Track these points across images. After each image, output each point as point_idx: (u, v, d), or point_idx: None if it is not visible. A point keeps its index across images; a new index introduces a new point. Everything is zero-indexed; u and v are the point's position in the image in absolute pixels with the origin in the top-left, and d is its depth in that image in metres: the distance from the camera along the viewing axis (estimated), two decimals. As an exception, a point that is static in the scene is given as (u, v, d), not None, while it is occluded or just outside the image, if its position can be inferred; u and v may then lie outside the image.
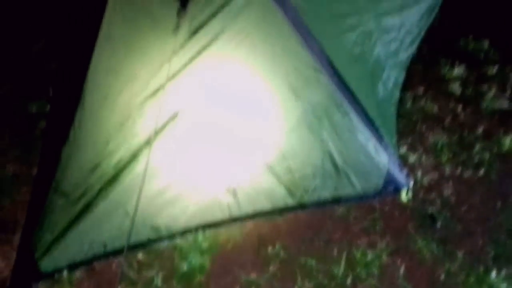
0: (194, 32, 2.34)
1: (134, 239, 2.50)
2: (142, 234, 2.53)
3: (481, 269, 2.43)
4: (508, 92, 3.21)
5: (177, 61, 2.35)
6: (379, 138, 2.58)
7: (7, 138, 3.19)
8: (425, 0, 3.29)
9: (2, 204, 2.88)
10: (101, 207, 2.46)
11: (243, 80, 2.46)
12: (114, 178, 2.45)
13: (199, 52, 2.36)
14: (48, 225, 2.49)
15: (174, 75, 2.34)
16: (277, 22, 2.39)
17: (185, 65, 2.37)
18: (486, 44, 3.52)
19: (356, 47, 2.78)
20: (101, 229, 2.49)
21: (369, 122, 2.56)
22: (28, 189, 2.93)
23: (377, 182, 2.60)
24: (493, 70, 3.35)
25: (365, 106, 2.61)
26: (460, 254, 2.49)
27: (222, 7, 2.32)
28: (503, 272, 2.39)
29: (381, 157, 2.57)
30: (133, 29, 2.47)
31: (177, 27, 2.30)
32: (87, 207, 2.46)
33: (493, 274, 2.39)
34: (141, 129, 2.43)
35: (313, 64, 2.44)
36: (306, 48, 2.42)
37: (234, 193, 2.56)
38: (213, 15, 2.33)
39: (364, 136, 2.55)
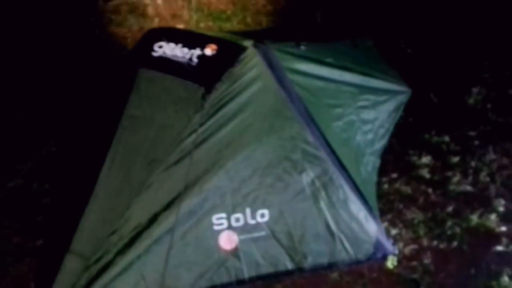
0: (214, 113, 2.74)
1: (148, 301, 2.68)
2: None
3: (464, 325, 2.72)
4: (470, 178, 3.69)
5: (198, 136, 2.72)
6: (369, 209, 2.95)
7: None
8: (393, 99, 3.88)
9: (7, 274, 3.00)
10: (119, 268, 2.65)
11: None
12: (131, 242, 2.68)
13: (217, 130, 2.75)
14: (62, 286, 2.63)
15: (196, 147, 2.69)
16: (284, 107, 2.84)
17: (204, 140, 2.73)
18: (447, 138, 4.06)
19: (343, 133, 3.25)
20: (117, 288, 2.66)
21: (360, 194, 2.94)
22: (32, 260, 3.08)
23: (368, 248, 2.93)
24: (455, 159, 3.85)
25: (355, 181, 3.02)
26: (443, 313, 2.78)
27: (238, 93, 2.76)
28: (483, 328, 2.68)
29: (371, 226, 2.93)
30: (155, 108, 2.85)
31: (201, 108, 2.70)
32: (104, 270, 2.64)
33: (475, 329, 2.68)
34: (161, 195, 2.71)
35: (313, 144, 2.86)
36: (307, 130, 2.86)
37: (239, 257, 2.81)
38: (231, 99, 2.76)
39: (356, 207, 2.92)
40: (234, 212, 2.78)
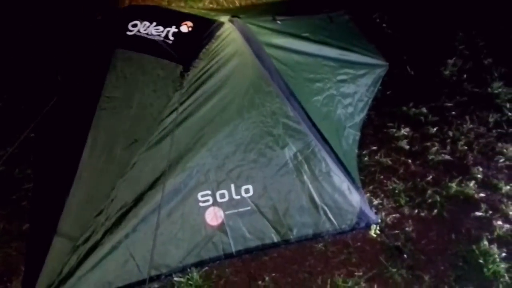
0: (194, 91, 2.74)
1: (136, 277, 2.71)
2: (144, 273, 2.73)
3: (446, 288, 2.81)
4: (448, 147, 3.77)
5: (179, 115, 2.73)
6: (351, 180, 3.01)
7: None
8: (371, 73, 3.93)
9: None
10: (106, 249, 2.66)
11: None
12: (118, 221, 2.69)
13: (197, 108, 2.75)
14: (52, 268, 2.63)
15: (177, 126, 2.70)
16: (263, 83, 2.85)
17: (185, 118, 2.74)
18: (424, 109, 4.14)
19: (323, 107, 3.29)
20: (106, 270, 2.67)
21: (343, 166, 2.99)
22: (20, 244, 3.08)
23: (351, 218, 2.99)
24: (433, 130, 3.93)
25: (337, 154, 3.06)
26: (426, 277, 2.85)
27: (216, 70, 2.77)
28: (464, 290, 2.77)
29: (354, 197, 2.99)
30: (133, 88, 2.84)
31: (180, 86, 2.70)
32: (93, 250, 2.66)
33: (457, 292, 2.77)
34: (145, 175, 2.72)
35: (294, 118, 2.89)
36: (288, 104, 2.88)
37: (226, 232, 2.85)
38: (209, 77, 2.76)
39: (339, 178, 2.97)
40: (218, 188, 2.80)
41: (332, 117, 3.41)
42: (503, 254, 2.95)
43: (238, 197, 2.84)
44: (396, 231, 3.13)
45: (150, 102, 2.78)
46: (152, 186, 2.70)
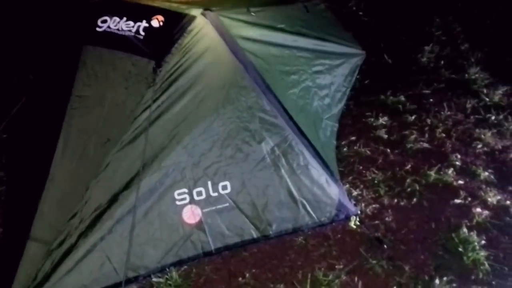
0: (167, 87, 2.68)
1: (114, 280, 2.65)
2: (121, 275, 2.68)
3: (426, 278, 2.79)
4: (426, 135, 3.77)
5: (152, 113, 2.67)
6: (330, 172, 2.98)
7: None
8: (348, 62, 3.90)
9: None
10: (82, 252, 2.60)
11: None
12: (93, 223, 2.63)
13: (171, 105, 2.69)
14: (26, 273, 2.56)
15: (151, 124, 2.64)
16: (238, 77, 2.80)
17: (159, 116, 2.68)
18: (402, 98, 4.13)
19: (300, 100, 3.25)
20: (82, 273, 2.60)
21: (321, 159, 2.96)
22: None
23: (330, 210, 2.97)
24: (411, 118, 3.93)
25: (315, 147, 3.03)
26: (407, 268, 2.85)
27: (190, 66, 2.71)
28: (445, 279, 2.76)
29: (332, 189, 2.97)
30: (105, 87, 2.77)
31: (152, 83, 2.63)
32: (68, 253, 2.59)
33: (437, 281, 2.76)
34: (118, 175, 2.66)
35: (271, 112, 2.85)
36: (264, 98, 2.83)
37: (205, 230, 2.81)
38: (183, 72, 2.70)
39: (317, 172, 2.94)
40: (195, 186, 2.76)
41: (308, 109, 3.37)
42: (483, 242, 2.95)
43: (216, 194, 2.80)
44: (376, 222, 3.13)
45: (122, 100, 2.71)
46: (126, 186, 2.64)
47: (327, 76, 3.71)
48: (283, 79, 3.18)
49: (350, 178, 3.42)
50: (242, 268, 2.88)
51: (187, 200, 2.76)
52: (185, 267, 2.84)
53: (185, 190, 2.75)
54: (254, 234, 2.89)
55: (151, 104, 2.64)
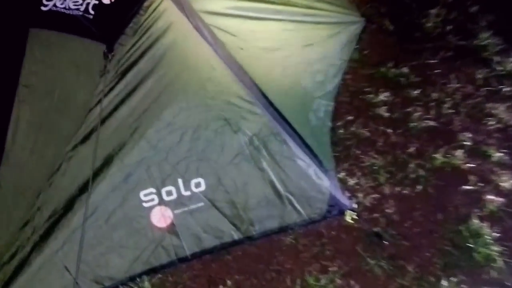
0: (123, 74, 2.31)
1: (77, 295, 2.35)
2: (84, 286, 2.37)
3: (432, 279, 2.46)
4: (432, 112, 3.36)
5: (107, 105, 2.31)
6: (319, 163, 2.62)
7: None
8: (344, 32, 3.47)
9: None
10: (38, 264, 2.30)
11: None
12: (47, 233, 2.32)
13: (129, 94, 2.33)
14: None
15: (105, 119, 2.28)
16: (206, 59, 2.42)
17: (116, 107, 2.32)
18: (405, 69, 3.70)
19: (285, 79, 2.86)
20: (39, 287, 2.32)
21: (308, 149, 2.59)
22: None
23: (321, 206, 2.61)
24: (415, 93, 3.51)
25: (302, 134, 2.65)
26: (410, 268, 2.52)
27: (148, 48, 2.33)
28: (454, 280, 2.43)
29: (323, 182, 2.60)
30: (55, 76, 2.42)
31: (105, 71, 2.27)
32: (22, 266, 2.30)
33: (444, 282, 2.42)
34: (73, 177, 2.33)
35: (247, 97, 2.47)
36: (238, 81, 2.45)
37: (177, 234, 2.48)
38: (141, 56, 2.32)
39: (304, 163, 2.57)
40: (164, 185, 2.42)
41: (296, 89, 2.98)
42: (496, 235, 2.59)
43: (188, 193, 2.46)
44: (376, 215, 2.78)
45: (74, 90, 2.36)
46: (83, 189, 2.30)
47: (319, 49, 3.29)
48: (263, 57, 2.78)
49: (347, 164, 3.05)
50: (223, 274, 2.57)
51: (156, 201, 2.42)
52: (160, 275, 2.53)
53: (153, 190, 2.41)
54: (235, 235, 2.55)
55: (106, 93, 2.27)
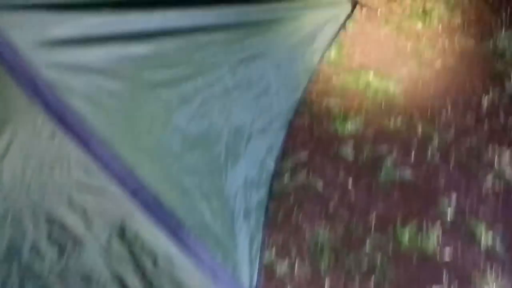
0: None
1: None
2: None
3: None
4: (412, 157, 2.49)
5: None
6: (223, 255, 1.78)
7: None
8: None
9: None
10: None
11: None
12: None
13: None
14: None
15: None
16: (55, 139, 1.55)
17: None
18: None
19: (194, 124, 1.98)
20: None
21: (206, 237, 1.75)
22: None
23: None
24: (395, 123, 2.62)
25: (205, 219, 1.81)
26: None
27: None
28: None
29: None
30: None
31: None
32: None
33: None
34: None
35: (95, 175, 1.60)
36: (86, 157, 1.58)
37: None
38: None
39: (191, 268, 1.74)
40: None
41: (217, 130, 2.10)
42: None
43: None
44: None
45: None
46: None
47: (263, 61, 2.36)
48: (153, 99, 1.87)
49: (281, 236, 2.25)
50: None
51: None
52: None
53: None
54: None
55: None
